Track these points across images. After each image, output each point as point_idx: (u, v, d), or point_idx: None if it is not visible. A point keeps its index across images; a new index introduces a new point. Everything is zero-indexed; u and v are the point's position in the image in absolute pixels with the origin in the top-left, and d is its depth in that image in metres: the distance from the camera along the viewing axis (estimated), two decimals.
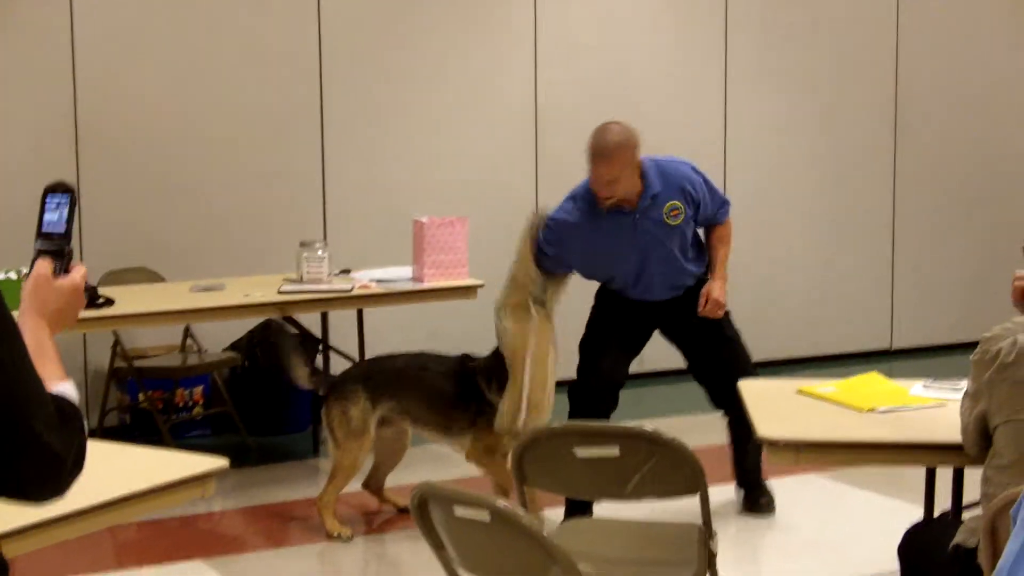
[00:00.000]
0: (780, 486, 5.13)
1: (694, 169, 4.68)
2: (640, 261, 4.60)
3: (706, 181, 4.69)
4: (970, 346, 2.84)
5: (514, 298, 4.59)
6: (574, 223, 4.54)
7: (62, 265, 1.81)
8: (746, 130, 7.28)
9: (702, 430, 5.13)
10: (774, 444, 3.09)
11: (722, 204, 4.73)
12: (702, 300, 4.59)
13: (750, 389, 3.60)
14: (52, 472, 1.59)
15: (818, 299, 7.51)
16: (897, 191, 7.70)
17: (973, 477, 2.91)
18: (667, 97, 7.10)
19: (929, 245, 7.81)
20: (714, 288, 4.62)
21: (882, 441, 3.17)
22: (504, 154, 6.81)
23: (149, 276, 5.85)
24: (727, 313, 4.73)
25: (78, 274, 1.82)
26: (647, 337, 4.86)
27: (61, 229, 1.81)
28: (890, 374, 3.78)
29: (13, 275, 4.74)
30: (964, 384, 2.97)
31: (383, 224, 6.42)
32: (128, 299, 5.08)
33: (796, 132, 7.43)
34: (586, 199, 4.54)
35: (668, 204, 4.53)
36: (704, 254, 4.74)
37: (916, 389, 3.53)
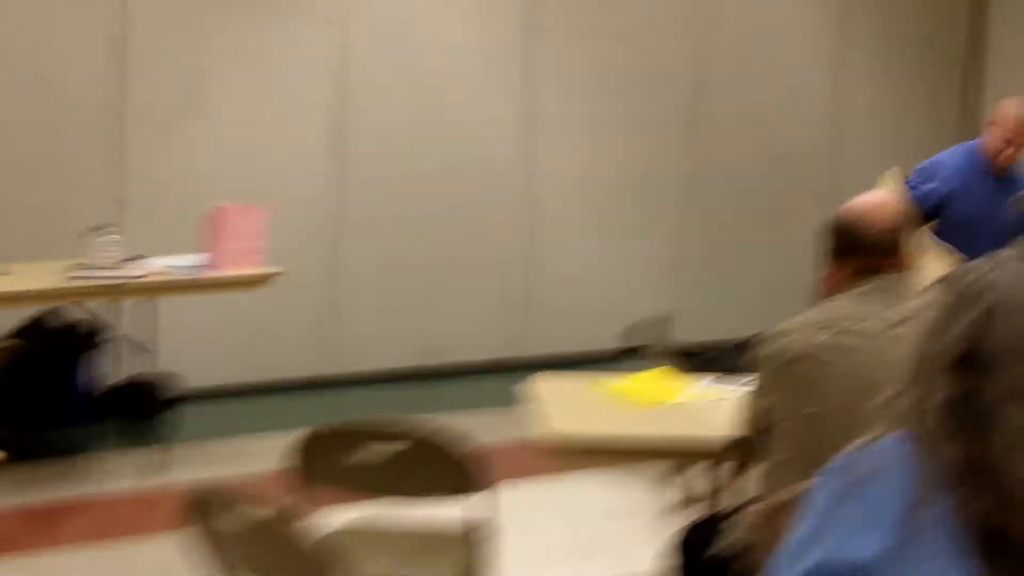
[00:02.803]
0: (559, 484, 5.11)
1: None
2: (977, 225, 4.56)
3: None
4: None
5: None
6: (950, 163, 4.69)
7: None
8: (549, 128, 7.31)
9: (495, 427, 5.11)
10: (548, 442, 3.05)
11: None
12: None
13: (541, 385, 3.57)
14: None
15: (609, 299, 7.52)
16: (688, 195, 7.85)
17: (752, 474, 2.95)
18: (468, 96, 7.05)
19: (716, 250, 7.95)
20: None
21: (660, 437, 3.18)
22: (305, 144, 6.67)
23: None
24: None
25: None
26: None
27: None
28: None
29: None
30: (748, 381, 3.01)
31: (185, 215, 6.19)
32: None
33: (600, 135, 7.50)
34: (970, 154, 4.66)
35: None
36: None
37: (701, 385, 3.58)
